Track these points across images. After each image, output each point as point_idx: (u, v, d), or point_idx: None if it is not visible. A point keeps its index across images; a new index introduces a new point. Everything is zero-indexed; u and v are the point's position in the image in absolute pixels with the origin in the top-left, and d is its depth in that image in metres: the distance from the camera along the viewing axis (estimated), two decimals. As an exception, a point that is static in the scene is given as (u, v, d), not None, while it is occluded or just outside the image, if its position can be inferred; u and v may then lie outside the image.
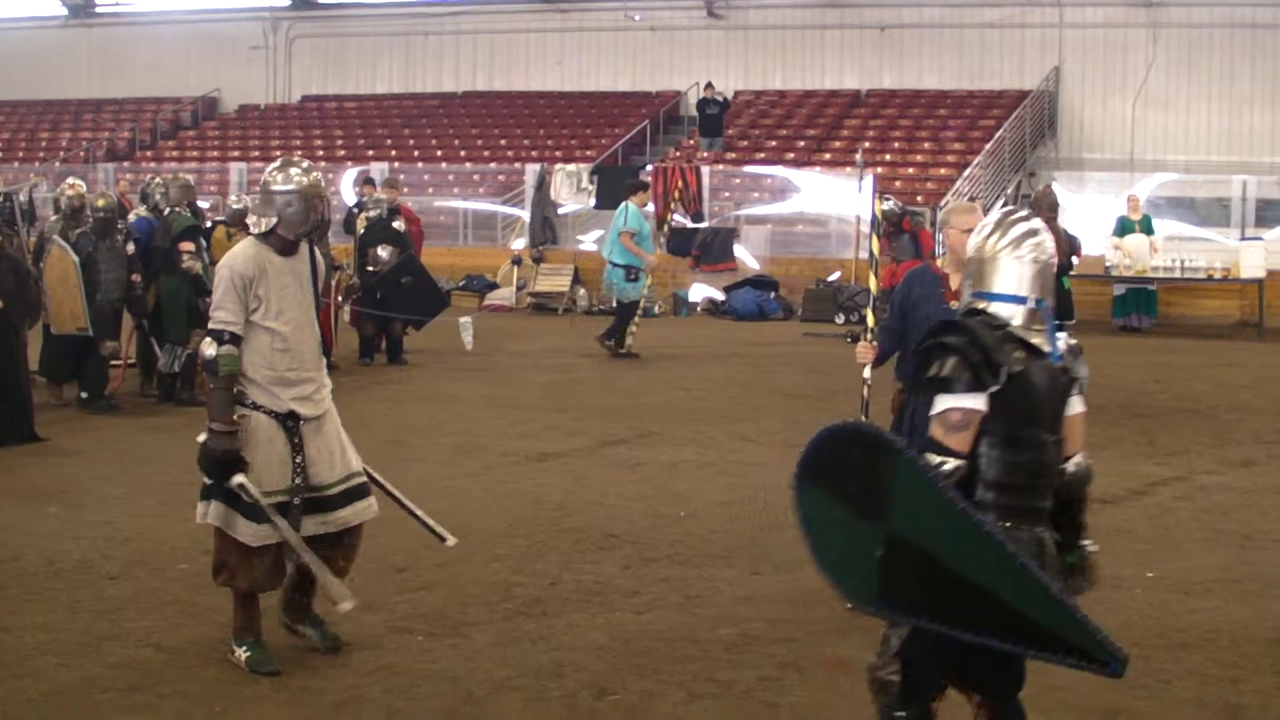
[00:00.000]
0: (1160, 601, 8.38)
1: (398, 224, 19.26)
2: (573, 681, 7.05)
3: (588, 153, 34.75)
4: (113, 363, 15.57)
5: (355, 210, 20.09)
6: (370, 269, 18.73)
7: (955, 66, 35.17)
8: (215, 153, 38.85)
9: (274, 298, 7.05)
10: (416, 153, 37.06)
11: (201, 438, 7.00)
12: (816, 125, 35.22)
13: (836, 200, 29.62)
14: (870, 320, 8.58)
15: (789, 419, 15.02)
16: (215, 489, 7.01)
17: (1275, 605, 8.44)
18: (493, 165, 35.62)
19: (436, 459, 12.82)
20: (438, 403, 16.10)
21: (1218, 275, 25.12)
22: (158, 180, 16.60)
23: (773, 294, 27.87)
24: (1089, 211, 27.46)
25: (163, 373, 15.54)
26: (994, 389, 4.97)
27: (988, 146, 31.56)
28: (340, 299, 18.09)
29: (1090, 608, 4.69)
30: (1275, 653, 7.58)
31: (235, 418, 6.98)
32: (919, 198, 29.62)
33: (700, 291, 28.58)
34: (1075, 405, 5.27)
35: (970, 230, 7.89)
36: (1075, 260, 19.08)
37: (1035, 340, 5.09)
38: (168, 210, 15.72)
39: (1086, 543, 5.39)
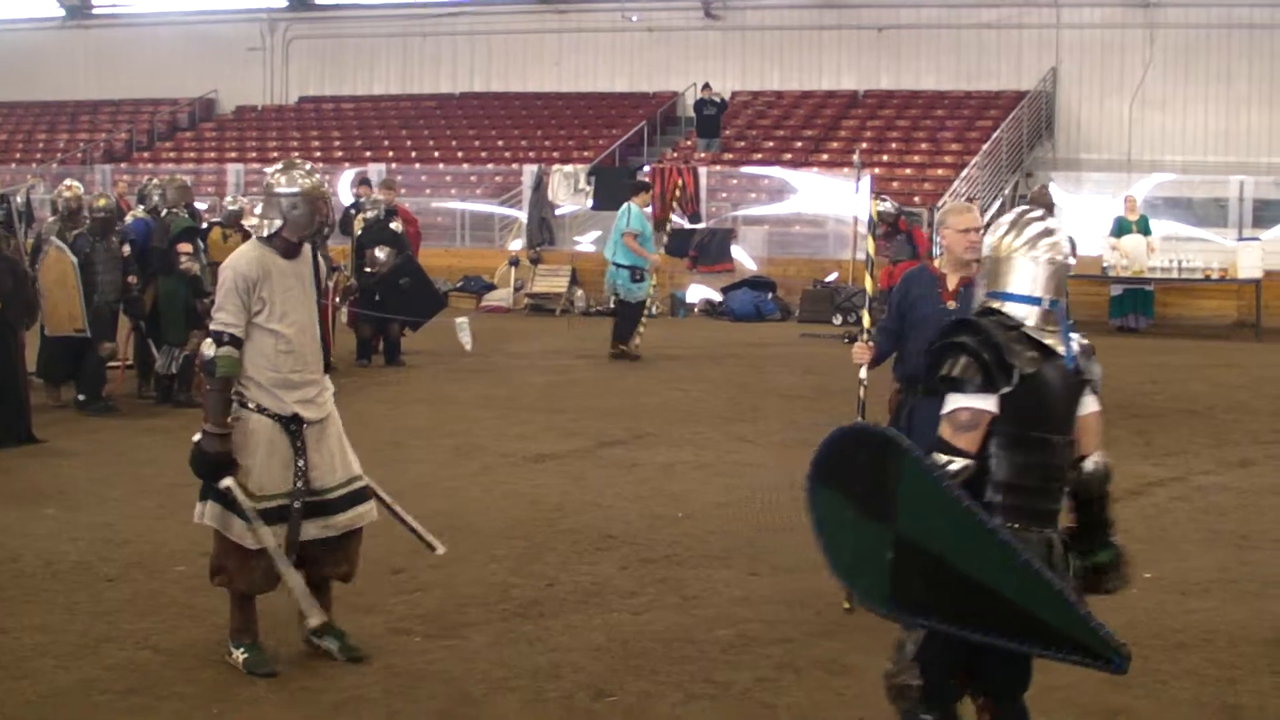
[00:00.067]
0: (1158, 602, 8.39)
1: (395, 225, 19.26)
2: (570, 682, 7.05)
3: (585, 154, 34.76)
4: (110, 364, 15.56)
5: (352, 211, 20.08)
6: (368, 270, 18.73)
7: (952, 67, 35.18)
8: (212, 154, 38.85)
9: (278, 300, 7.05)
10: (414, 154, 37.07)
11: (197, 438, 7.00)
12: (814, 126, 35.23)
13: (834, 201, 29.62)
14: (867, 321, 8.58)
15: (786, 420, 15.03)
16: (214, 490, 7.01)
17: (1272, 605, 8.45)
18: (490, 166, 35.63)
19: (435, 460, 12.82)
20: (436, 404, 16.10)
21: (1215, 275, 25.16)
22: (155, 181, 16.60)
23: (770, 295, 27.89)
24: (1086, 212, 27.47)
25: (160, 374, 15.52)
26: (1005, 390, 4.96)
27: (985, 147, 31.58)
28: (338, 300, 18.08)
29: (1090, 607, 4.70)
30: (1272, 653, 7.59)
31: (229, 420, 6.99)
32: (916, 198, 29.65)
33: (698, 292, 28.59)
34: (1090, 404, 5.26)
35: (967, 230, 7.96)
36: (1072, 261, 19.09)
37: (1049, 341, 5.07)
38: (165, 212, 15.71)
39: (1116, 539, 5.37)
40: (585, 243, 31.13)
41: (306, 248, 7.27)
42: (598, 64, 38.56)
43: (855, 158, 27.95)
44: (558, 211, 32.34)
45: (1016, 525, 4.92)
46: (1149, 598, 8.46)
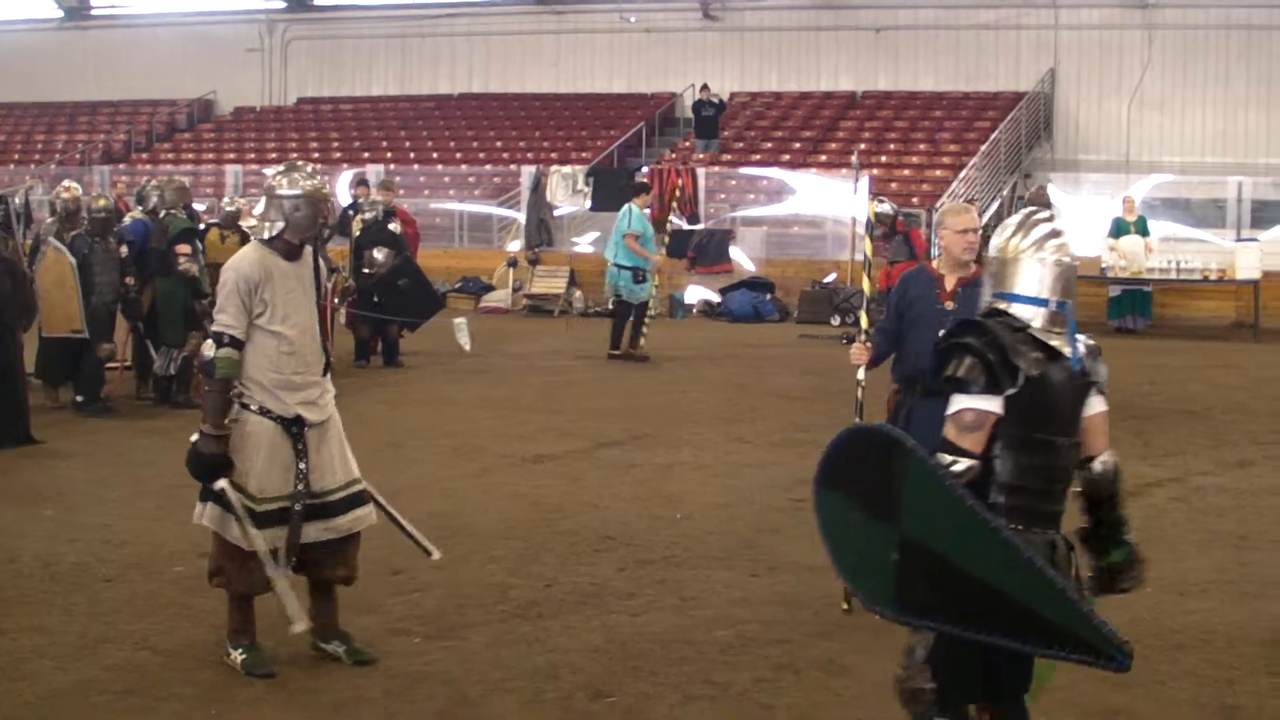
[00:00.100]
0: (1156, 603, 8.38)
1: (393, 226, 19.26)
2: (568, 683, 7.05)
3: (583, 155, 34.75)
4: (109, 365, 15.55)
5: (350, 212, 20.07)
6: (366, 271, 18.73)
7: (951, 68, 35.17)
8: (211, 155, 38.84)
9: (280, 302, 7.05)
10: (412, 155, 37.07)
11: (194, 438, 7.00)
12: (812, 127, 35.23)
13: (832, 202, 29.63)
14: (865, 322, 8.58)
15: (785, 420, 15.03)
16: (215, 491, 7.01)
17: (1270, 606, 8.46)
18: (488, 167, 35.62)
19: (433, 461, 12.83)
20: (434, 404, 16.10)
21: (1213, 276, 25.18)
22: (154, 183, 16.59)
23: (768, 295, 27.90)
24: (1084, 213, 27.48)
25: (158, 375, 15.51)
26: (1010, 392, 4.96)
27: (983, 148, 31.57)
28: (336, 301, 18.08)
29: (1092, 605, 4.70)
30: (1270, 654, 7.60)
31: (228, 421, 6.99)
32: (914, 199, 29.65)
33: (696, 293, 28.60)
34: (1097, 404, 5.25)
35: (965, 231, 7.97)
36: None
37: (1055, 343, 5.06)
38: (163, 213, 15.70)
39: (1129, 537, 5.36)
40: (583, 244, 31.12)
41: (308, 249, 7.28)
42: (596, 65, 38.54)
43: (853, 159, 27.97)
44: (556, 212, 32.33)
45: (1020, 527, 4.92)
46: (1147, 598, 8.45)
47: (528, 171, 32.79)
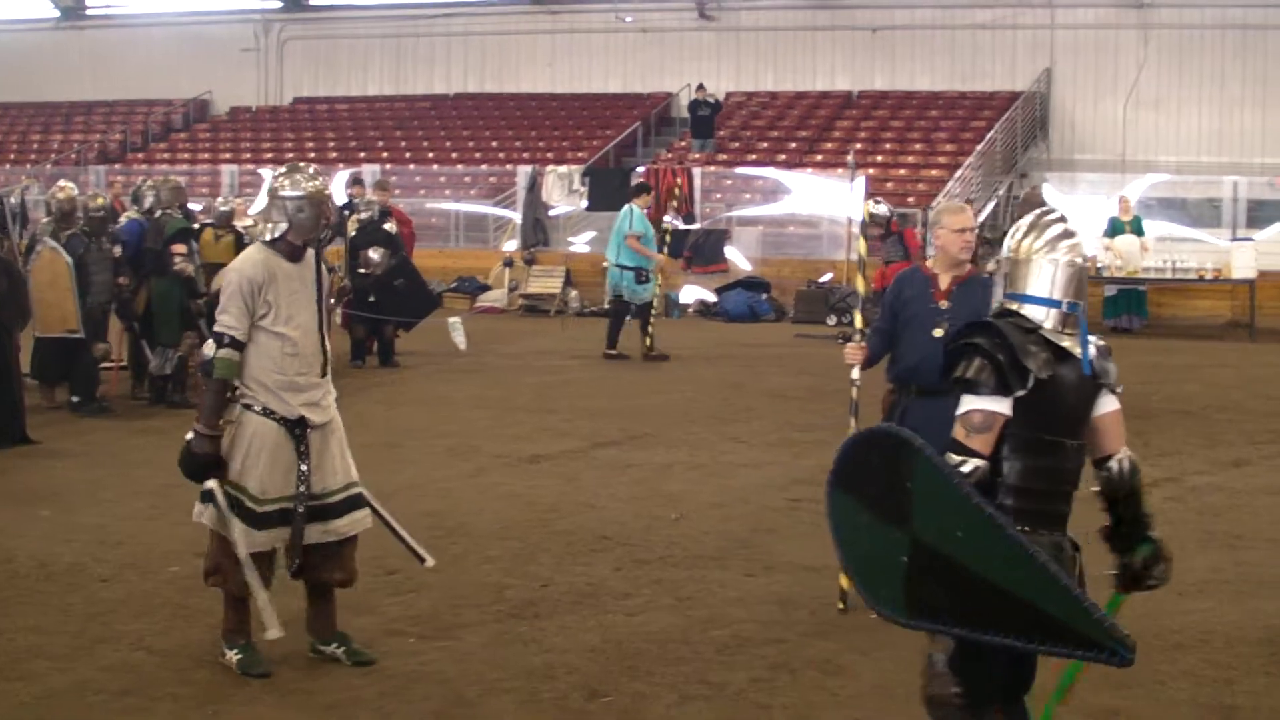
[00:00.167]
0: (1153, 602, 8.38)
1: (389, 226, 19.25)
2: (565, 683, 7.05)
3: (579, 154, 34.76)
4: (104, 365, 15.55)
5: (345, 212, 20.05)
6: (362, 271, 18.72)
7: (947, 68, 35.18)
8: (206, 155, 38.83)
9: (284, 303, 7.05)
10: (408, 154, 37.07)
11: (189, 436, 7.00)
12: (808, 127, 35.23)
13: (828, 202, 29.62)
14: (859, 321, 8.58)
15: (781, 420, 15.04)
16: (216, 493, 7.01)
17: (1267, 605, 8.46)
18: (484, 167, 35.62)
19: (429, 461, 12.82)
20: (430, 404, 16.10)
21: (1209, 276, 25.20)
22: (149, 183, 16.59)
23: (764, 295, 27.91)
24: (1080, 213, 27.46)
25: (154, 375, 15.51)
26: (1020, 394, 4.95)
27: (979, 148, 31.59)
28: (332, 301, 18.05)
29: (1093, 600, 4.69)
30: (1267, 653, 7.60)
31: (223, 422, 6.99)
32: (910, 199, 29.68)
33: (692, 293, 28.59)
34: (1110, 403, 5.22)
35: (962, 230, 7.98)
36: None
37: (1065, 344, 5.05)
38: (159, 213, 15.69)
39: (1154, 534, 5.34)
40: (579, 243, 31.13)
41: (310, 252, 7.27)
42: (591, 65, 38.53)
43: (849, 159, 27.91)
44: (552, 212, 32.35)
45: (1027, 528, 4.90)
46: (1144, 598, 8.43)
47: (523, 171, 32.81)
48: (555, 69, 38.78)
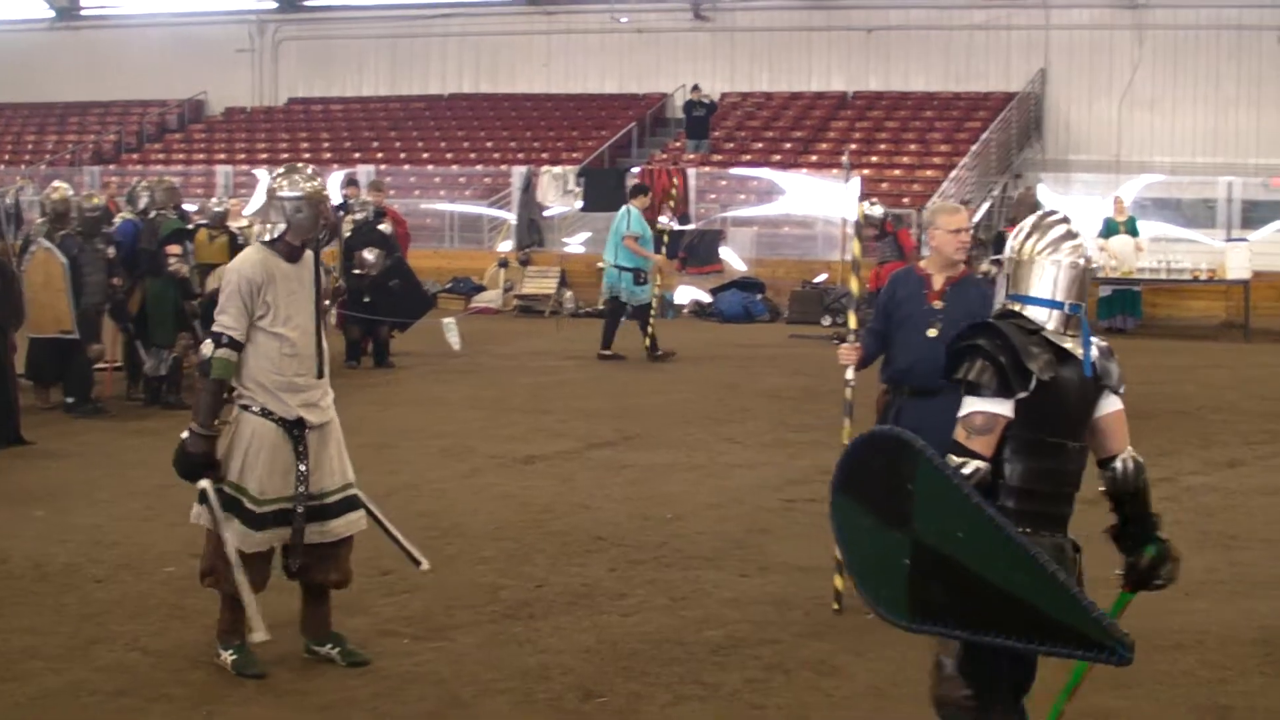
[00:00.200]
0: (1148, 603, 8.38)
1: (384, 226, 19.26)
2: (559, 684, 7.05)
3: (574, 155, 34.76)
4: (98, 366, 15.54)
5: (340, 212, 20.05)
6: (356, 272, 18.72)
7: (941, 68, 35.20)
8: (201, 155, 38.83)
9: (282, 304, 7.06)
10: (403, 155, 37.06)
11: (184, 435, 7.00)
12: (803, 127, 35.25)
13: (823, 202, 29.64)
14: (853, 322, 8.57)
15: (775, 420, 15.04)
16: (219, 494, 7.00)
17: (1261, 606, 8.47)
18: (479, 167, 35.61)
19: (424, 461, 12.82)
20: (424, 405, 16.10)
21: (1203, 276, 25.20)
22: (144, 183, 16.58)
23: (759, 296, 27.91)
24: (1075, 213, 27.40)
25: (149, 376, 15.50)
26: (1022, 395, 4.95)
27: (974, 148, 31.63)
28: (327, 302, 18.03)
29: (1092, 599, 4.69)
30: (1262, 653, 7.61)
31: (218, 423, 6.99)
32: (905, 199, 29.71)
33: (687, 293, 28.58)
34: (1113, 404, 5.22)
35: (958, 231, 7.99)
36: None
37: (1068, 345, 5.04)
38: (154, 213, 15.68)
39: (1161, 534, 5.34)
40: (574, 244, 31.15)
41: (309, 253, 7.28)
42: (587, 65, 38.53)
43: (844, 159, 27.97)
44: (546, 213, 32.35)
45: (1029, 530, 4.89)
46: (1139, 598, 8.46)
47: (518, 172, 32.82)
48: (550, 69, 38.79)
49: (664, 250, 21.68)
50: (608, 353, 19.99)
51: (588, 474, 12.32)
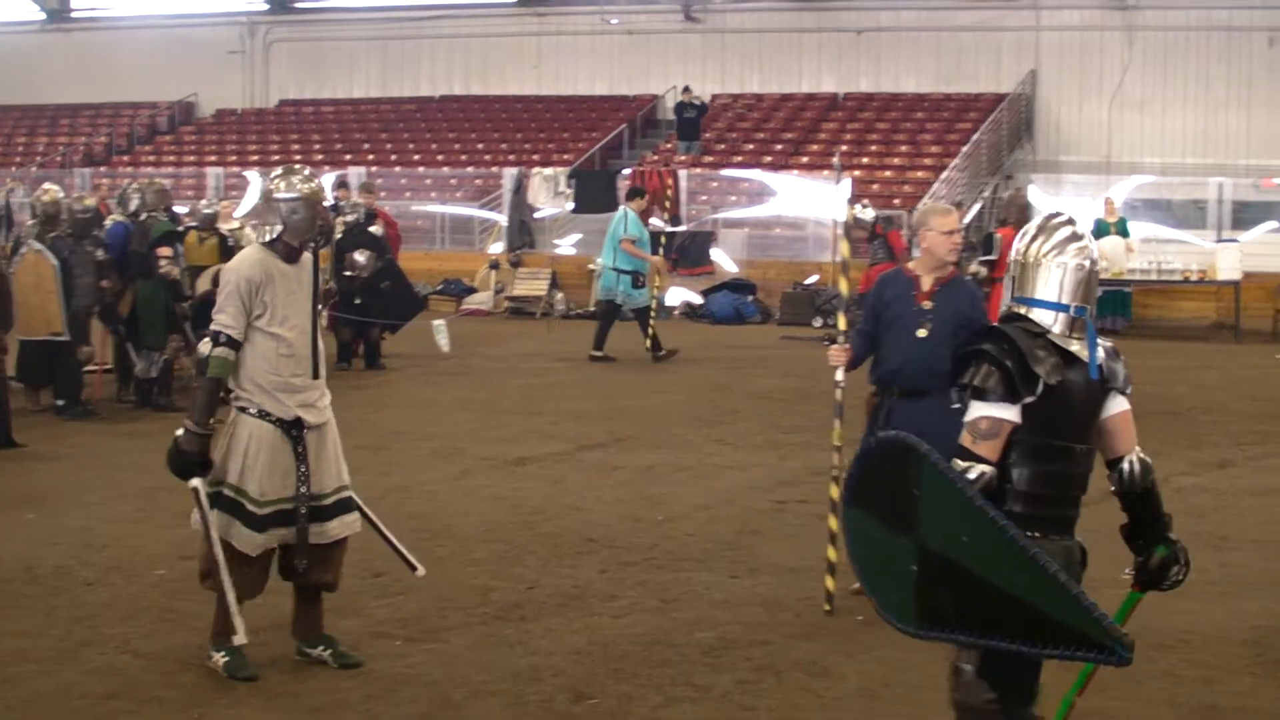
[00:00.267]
0: (1140, 604, 8.40)
1: (375, 228, 19.26)
2: (550, 686, 7.06)
3: (565, 156, 34.76)
4: (88, 368, 15.52)
5: (331, 214, 20.06)
6: (347, 273, 18.71)
7: (932, 70, 35.24)
8: (192, 157, 38.81)
9: (280, 304, 7.07)
10: (394, 157, 37.05)
11: (179, 433, 7.00)
12: (794, 129, 35.27)
13: (814, 203, 29.64)
14: (842, 323, 8.57)
15: (766, 422, 15.05)
16: (219, 498, 7.01)
17: (1250, 606, 8.49)
18: (470, 169, 35.60)
19: (414, 463, 12.82)
20: (415, 407, 16.09)
21: (1194, 277, 25.25)
22: (134, 185, 16.56)
23: (750, 297, 27.92)
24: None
25: (140, 378, 15.48)
26: (1028, 400, 4.94)
27: (965, 149, 31.66)
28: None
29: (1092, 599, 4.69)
30: (1252, 654, 7.63)
31: (212, 422, 6.99)
32: (896, 201, 29.72)
33: (678, 295, 28.58)
34: (1119, 404, 5.21)
35: (950, 232, 8.00)
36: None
37: (1074, 348, 5.05)
38: (144, 215, 15.66)
39: (1172, 535, 5.34)
40: (565, 246, 31.13)
41: (306, 254, 7.29)
42: (577, 67, 38.55)
43: (835, 160, 27.88)
44: (537, 214, 32.36)
45: (1037, 534, 4.88)
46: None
47: (509, 173, 32.83)
48: (541, 71, 38.80)
49: (661, 251, 21.67)
50: (599, 354, 19.99)
51: (579, 476, 12.32)
